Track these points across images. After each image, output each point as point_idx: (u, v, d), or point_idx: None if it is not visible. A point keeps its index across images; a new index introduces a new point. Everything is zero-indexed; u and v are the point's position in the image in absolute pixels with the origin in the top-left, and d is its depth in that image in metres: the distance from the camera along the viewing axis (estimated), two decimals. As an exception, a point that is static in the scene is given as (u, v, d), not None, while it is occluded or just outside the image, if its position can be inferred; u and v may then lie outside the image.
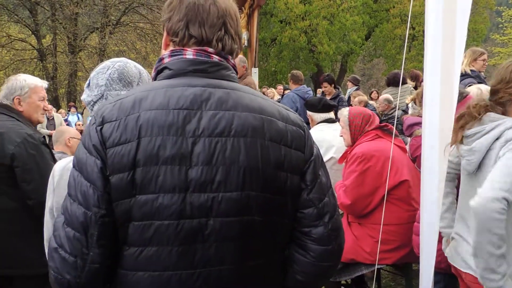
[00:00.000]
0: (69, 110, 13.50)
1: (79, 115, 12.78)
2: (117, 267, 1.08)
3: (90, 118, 1.29)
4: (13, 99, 2.63)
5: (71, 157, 1.44)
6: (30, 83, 2.68)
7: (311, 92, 6.09)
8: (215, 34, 1.15)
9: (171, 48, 1.18)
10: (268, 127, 1.10)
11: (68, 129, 3.74)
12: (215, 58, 1.15)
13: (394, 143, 2.57)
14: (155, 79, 1.17)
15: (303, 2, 21.07)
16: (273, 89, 10.24)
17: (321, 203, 1.15)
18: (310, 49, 21.80)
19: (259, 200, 1.07)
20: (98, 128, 1.05)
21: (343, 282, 3.22)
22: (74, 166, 1.08)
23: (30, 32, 19.56)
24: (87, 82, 1.51)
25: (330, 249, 1.16)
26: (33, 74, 17.79)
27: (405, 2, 21.00)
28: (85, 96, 1.49)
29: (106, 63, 1.52)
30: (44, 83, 2.80)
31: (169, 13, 1.18)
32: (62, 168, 1.42)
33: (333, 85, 6.36)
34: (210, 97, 1.09)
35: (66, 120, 11.50)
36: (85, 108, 13.33)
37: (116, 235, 1.06)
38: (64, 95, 20.19)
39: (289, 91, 6.71)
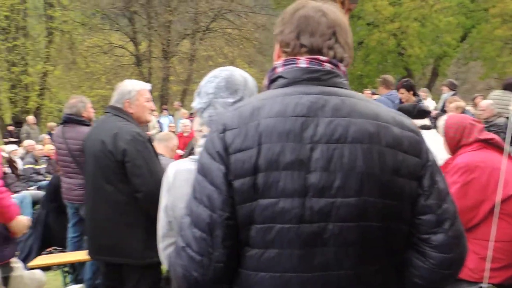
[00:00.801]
0: (161, 112, 14.25)
1: (171, 117, 13.45)
2: (239, 267, 1.13)
3: (199, 124, 1.36)
4: (123, 102, 2.89)
5: (184, 160, 1.53)
6: (136, 87, 2.93)
7: (404, 97, 5.85)
8: (325, 43, 1.18)
9: (283, 59, 1.22)
10: (384, 133, 1.11)
11: (175, 137, 4.02)
12: (327, 66, 1.18)
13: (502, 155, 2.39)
14: (268, 88, 1.22)
15: (393, 4, 20.33)
16: None
17: (439, 209, 1.14)
18: (399, 52, 21.00)
19: (376, 206, 1.09)
20: (221, 135, 1.11)
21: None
22: (198, 171, 1.15)
23: (129, 39, 21.01)
24: (198, 90, 1.60)
25: (451, 257, 1.15)
26: (130, 78, 19.02)
27: (507, 1, 19.42)
28: (195, 104, 1.59)
29: (215, 72, 1.61)
30: (148, 86, 3.03)
31: (282, 26, 1.24)
32: (176, 170, 1.51)
33: (411, 92, 5.92)
34: (325, 104, 1.11)
35: (158, 122, 12.15)
36: (176, 110, 14.04)
37: (238, 237, 1.11)
38: (157, 98, 21.43)
39: (377, 96, 6.51)
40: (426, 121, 3.86)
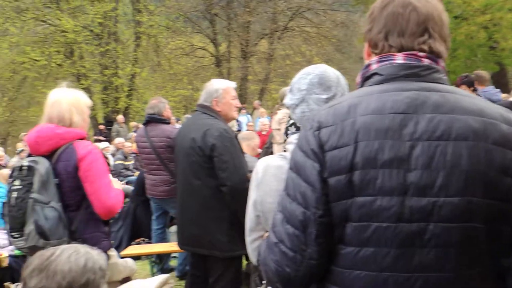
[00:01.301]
0: (240, 111, 14.56)
1: (249, 115, 13.69)
2: (332, 265, 1.13)
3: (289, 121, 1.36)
4: (211, 101, 3.03)
5: (273, 156, 1.56)
6: (223, 86, 3.05)
7: (500, 94, 5.45)
8: (415, 41, 1.14)
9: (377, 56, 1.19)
10: (490, 130, 1.05)
11: (256, 136, 4.12)
12: (426, 61, 1.13)
13: None
14: (361, 85, 1.20)
15: (484, -6, 18.97)
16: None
17: None
18: (490, 46, 19.54)
19: (481, 206, 1.03)
20: (316, 133, 1.11)
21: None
22: (291, 168, 1.16)
23: (209, 40, 21.70)
24: (290, 87, 1.61)
25: None
26: (209, 79, 19.60)
27: None
28: (287, 100, 1.60)
29: (308, 69, 1.62)
30: (233, 84, 3.13)
31: (370, 23, 1.21)
32: (265, 166, 1.54)
33: (472, 88, 5.55)
34: (425, 100, 1.07)
35: (237, 121, 12.41)
36: (255, 109, 14.27)
37: (332, 234, 1.10)
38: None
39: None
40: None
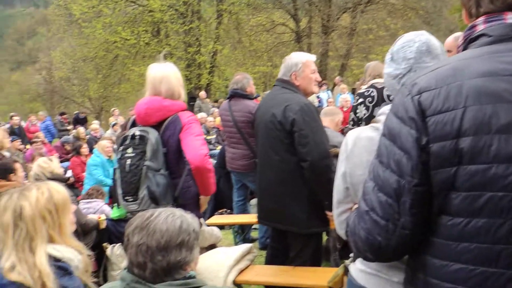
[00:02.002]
0: (320, 87, 14.36)
1: (329, 92, 13.47)
2: (432, 236, 1.09)
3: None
4: (290, 75, 2.99)
5: (364, 128, 1.53)
6: (302, 59, 3.00)
7: None
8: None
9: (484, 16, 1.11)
10: None
11: (340, 112, 4.06)
12: None
13: None
14: (465, 48, 1.13)
15: None
16: None
17: None
18: None
19: None
20: (416, 98, 1.06)
21: None
22: (384, 135, 1.13)
23: (289, 16, 21.46)
24: (389, 56, 1.55)
25: None
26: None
27: None
28: (390, 70, 1.53)
29: (409, 36, 1.54)
30: (313, 57, 3.07)
31: None
32: (355, 137, 1.51)
33: None
34: None
35: (318, 97, 12.27)
36: (335, 85, 14.00)
37: (430, 204, 1.06)
38: (316, 73, 21.59)
39: None
40: None
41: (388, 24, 20.01)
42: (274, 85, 3.19)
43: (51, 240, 1.68)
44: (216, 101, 16.12)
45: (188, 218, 1.48)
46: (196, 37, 19.22)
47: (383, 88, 3.56)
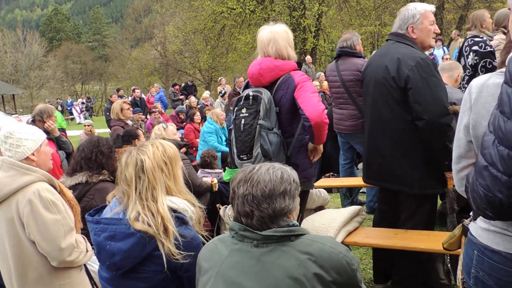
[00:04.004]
0: (435, 43, 13.29)
1: (445, 48, 12.42)
2: None
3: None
4: (406, 27, 2.79)
5: (489, 74, 1.36)
6: (420, 10, 2.77)
7: None
8: None
9: None
10: None
11: (460, 67, 3.75)
12: None
13: None
14: None
15: None
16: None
17: None
18: None
19: None
20: None
21: None
22: (506, 83, 1.03)
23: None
24: None
25: None
26: (398, 12, 18.34)
27: None
28: None
29: None
30: (432, 8, 2.82)
31: None
32: (481, 84, 1.36)
33: None
34: None
35: (431, 54, 11.40)
36: (451, 40, 12.81)
37: None
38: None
39: None
40: None
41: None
42: (387, 39, 3.00)
43: (168, 191, 1.82)
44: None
45: (288, 170, 1.54)
46: (301, 0, 18.89)
47: None
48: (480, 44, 4.13)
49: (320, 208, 3.50)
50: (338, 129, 4.74)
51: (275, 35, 2.74)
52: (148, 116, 10.51)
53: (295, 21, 18.89)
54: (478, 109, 1.34)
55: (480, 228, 1.40)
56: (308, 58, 14.27)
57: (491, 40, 4.24)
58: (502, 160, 1.01)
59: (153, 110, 9.75)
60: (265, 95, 2.64)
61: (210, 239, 1.72)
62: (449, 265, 2.80)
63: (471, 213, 1.48)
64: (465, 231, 1.54)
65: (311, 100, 2.58)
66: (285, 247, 1.43)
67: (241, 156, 2.70)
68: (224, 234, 1.65)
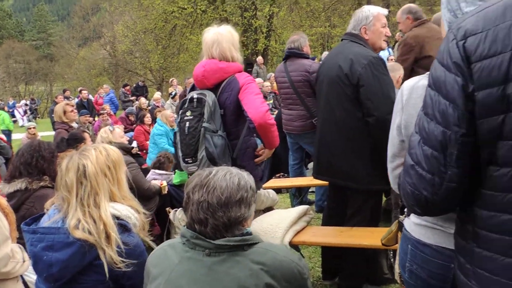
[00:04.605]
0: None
1: (390, 49, 12.83)
2: (480, 188, 1.05)
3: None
4: (360, 28, 2.89)
5: (419, 76, 1.43)
6: (373, 12, 2.88)
7: None
8: None
9: None
10: None
11: (401, 68, 3.89)
12: None
13: None
14: None
15: None
16: None
17: None
18: None
19: None
20: (460, 43, 1.00)
21: None
22: (430, 86, 1.07)
23: (347, -28, 20.48)
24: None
25: None
26: (348, 14, 19.00)
27: None
28: (467, 9, 1.40)
29: None
30: (385, 11, 2.93)
31: None
32: (411, 86, 1.43)
33: None
34: None
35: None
36: (395, 43, 13.29)
37: (476, 155, 1.02)
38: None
39: None
40: None
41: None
42: (342, 39, 3.09)
43: (112, 197, 1.78)
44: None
45: (245, 176, 1.51)
46: (252, 1, 18.98)
47: None
48: None
49: (269, 209, 3.53)
50: (287, 130, 4.80)
51: (219, 37, 2.73)
52: (96, 118, 10.20)
53: (247, 21, 18.96)
54: (409, 110, 1.41)
55: (413, 224, 1.47)
56: (260, 58, 14.37)
57: None
58: (426, 159, 1.07)
59: (101, 112, 9.49)
60: (210, 97, 2.63)
61: (157, 245, 1.69)
62: (392, 259, 2.91)
63: (406, 209, 1.56)
64: (401, 226, 1.60)
65: (255, 101, 2.60)
66: (238, 257, 1.41)
67: (186, 159, 2.68)
68: (174, 239, 1.61)
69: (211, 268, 1.41)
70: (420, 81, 1.41)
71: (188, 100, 2.71)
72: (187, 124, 2.65)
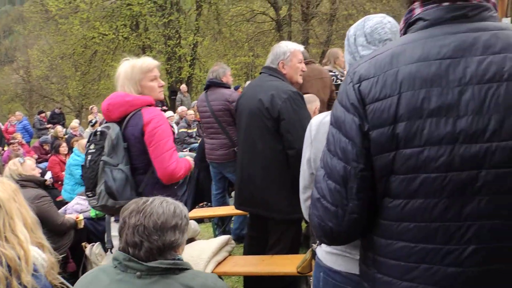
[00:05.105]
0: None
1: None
2: (378, 218, 1.13)
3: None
4: (278, 63, 3.00)
5: (327, 112, 1.53)
6: (290, 48, 3.01)
7: None
8: None
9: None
10: None
11: (317, 100, 4.05)
12: (474, 0, 1.05)
13: None
14: (405, 32, 1.14)
15: None
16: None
17: None
18: None
19: None
20: (356, 86, 1.08)
21: None
22: (332, 124, 1.15)
23: (269, 5, 21.33)
24: (362, 39, 1.54)
25: None
26: (270, 44, 19.74)
27: None
28: (368, 52, 1.51)
29: (374, 19, 1.54)
30: (301, 47, 3.08)
31: None
32: (318, 122, 1.53)
33: None
34: (474, 42, 1.00)
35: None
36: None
37: (374, 188, 1.09)
38: (297, 62, 21.55)
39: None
40: None
41: (368, 9, 19.99)
42: (260, 72, 3.18)
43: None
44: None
45: (180, 205, 1.60)
46: (176, 29, 19.03)
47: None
48: (332, 78, 4.58)
49: (191, 240, 3.48)
50: (210, 159, 4.81)
51: (121, 70, 2.68)
52: (5, 148, 9.50)
53: (171, 49, 18.91)
54: (317, 145, 1.49)
55: (324, 252, 1.55)
56: (183, 87, 14.35)
57: (342, 76, 4.74)
58: (330, 193, 1.13)
59: (12, 141, 8.86)
60: (113, 130, 2.55)
61: (73, 284, 1.64)
62: (311, 286, 2.98)
63: None
64: (314, 254, 1.68)
65: (163, 159, 2.53)
66: (168, 280, 1.46)
67: (87, 193, 2.60)
68: (106, 264, 1.61)
69: None
70: (326, 117, 1.50)
71: (93, 133, 2.66)
72: (89, 157, 2.58)
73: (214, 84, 4.64)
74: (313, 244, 1.78)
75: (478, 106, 0.98)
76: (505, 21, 6.97)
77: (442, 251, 1.04)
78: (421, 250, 1.06)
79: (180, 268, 1.49)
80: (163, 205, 1.53)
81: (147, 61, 2.71)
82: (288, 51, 3.02)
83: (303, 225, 3.53)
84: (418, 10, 1.11)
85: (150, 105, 2.66)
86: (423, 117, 1.00)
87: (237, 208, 3.29)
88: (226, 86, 4.67)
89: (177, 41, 19.05)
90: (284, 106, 2.81)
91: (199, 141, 8.01)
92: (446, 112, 0.99)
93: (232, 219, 5.02)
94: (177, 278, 1.46)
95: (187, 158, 2.86)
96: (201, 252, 3.11)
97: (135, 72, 2.66)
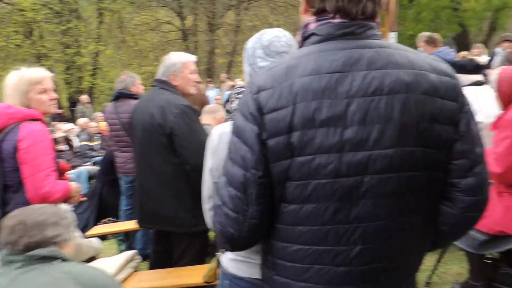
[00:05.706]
0: (207, 85, 14.36)
1: (217, 89, 13.54)
2: (275, 222, 1.18)
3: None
4: (168, 75, 2.92)
5: (227, 123, 1.54)
6: (181, 59, 2.95)
7: (454, 54, 5.52)
8: (350, 4, 1.12)
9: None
10: (421, 81, 1.09)
11: (222, 109, 4.07)
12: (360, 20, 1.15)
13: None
14: (301, 45, 1.21)
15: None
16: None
17: (473, 154, 1.14)
18: (453, 8, 19.71)
19: (415, 155, 1.09)
20: (255, 96, 1.12)
21: (488, 255, 2.92)
22: (233, 133, 1.17)
23: (175, 14, 21.17)
24: (259, 52, 1.58)
25: (478, 200, 1.17)
26: (177, 53, 19.52)
27: None
28: (266, 63, 1.56)
29: (272, 32, 1.60)
30: (193, 58, 3.04)
31: None
32: (220, 133, 1.55)
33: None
34: (360, 58, 1.09)
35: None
36: (222, 83, 14.11)
37: (273, 194, 1.14)
38: (204, 71, 21.60)
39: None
40: (479, 77, 3.65)
41: (271, 21, 20.68)
42: (152, 85, 3.07)
43: None
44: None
45: (62, 207, 1.65)
46: (75, 37, 18.03)
47: None
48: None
49: (92, 259, 3.29)
50: (122, 173, 4.56)
51: (7, 81, 2.50)
52: None
53: (70, 58, 17.88)
54: (219, 155, 1.51)
55: (229, 259, 1.57)
56: (84, 97, 13.66)
57: None
58: (231, 199, 1.15)
59: None
60: None
61: None
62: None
63: None
64: (219, 263, 1.68)
65: (36, 179, 2.35)
66: (46, 267, 1.43)
67: None
68: None
69: (15, 278, 1.41)
70: (227, 127, 1.52)
71: None
72: None
73: (123, 95, 4.45)
74: (217, 253, 1.78)
75: (362, 117, 1.06)
76: (392, 35, 7.64)
77: (332, 252, 1.12)
78: (314, 252, 1.13)
79: (63, 259, 1.48)
80: (44, 206, 1.57)
81: (37, 72, 2.53)
82: (179, 62, 2.95)
83: (212, 234, 3.51)
84: (312, 25, 1.18)
85: (36, 119, 2.47)
86: (315, 127, 1.06)
87: (140, 225, 3.18)
88: (136, 97, 4.48)
89: (77, 50, 18.06)
90: (176, 121, 2.74)
91: (102, 154, 7.65)
92: (335, 122, 1.06)
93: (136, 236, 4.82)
94: (55, 267, 1.44)
95: (67, 182, 2.60)
96: (105, 269, 2.95)
97: (22, 83, 2.47)
